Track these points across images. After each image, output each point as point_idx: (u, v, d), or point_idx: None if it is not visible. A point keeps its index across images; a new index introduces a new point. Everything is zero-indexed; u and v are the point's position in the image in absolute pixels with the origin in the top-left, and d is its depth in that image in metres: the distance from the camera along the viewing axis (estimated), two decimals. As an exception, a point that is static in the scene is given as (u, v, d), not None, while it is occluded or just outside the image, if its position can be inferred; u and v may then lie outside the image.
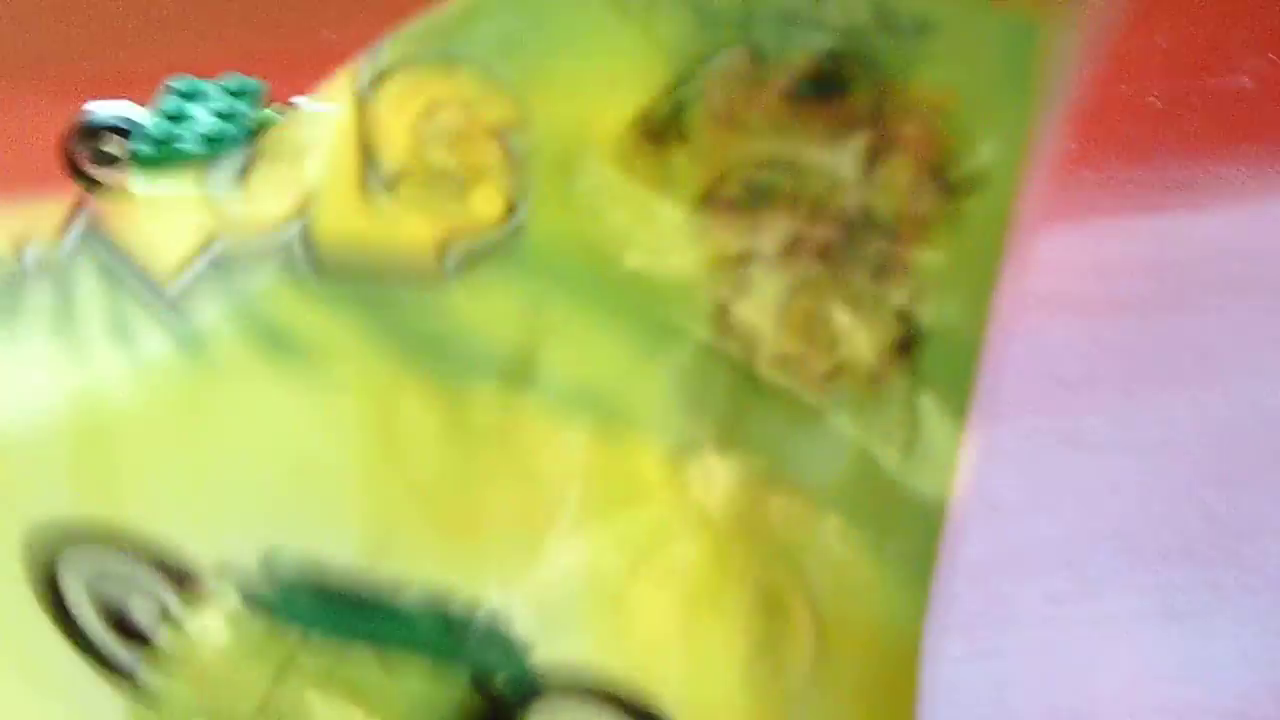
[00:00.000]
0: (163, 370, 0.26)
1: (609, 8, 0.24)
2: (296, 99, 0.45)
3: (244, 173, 0.25)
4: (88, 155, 0.44)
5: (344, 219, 0.25)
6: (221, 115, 0.42)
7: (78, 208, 0.25)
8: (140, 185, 0.41)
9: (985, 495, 0.49)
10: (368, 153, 0.25)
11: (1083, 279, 0.57)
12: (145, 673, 0.27)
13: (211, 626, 0.27)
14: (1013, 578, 0.48)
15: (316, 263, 0.25)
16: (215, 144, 0.41)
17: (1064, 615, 0.47)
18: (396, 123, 0.25)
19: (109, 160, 0.43)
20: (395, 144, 0.25)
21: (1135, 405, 0.52)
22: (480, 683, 0.26)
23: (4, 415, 0.26)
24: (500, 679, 0.27)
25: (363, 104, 0.25)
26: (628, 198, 0.25)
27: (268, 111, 0.44)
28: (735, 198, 0.26)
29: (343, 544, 0.26)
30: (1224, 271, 0.57)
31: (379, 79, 0.25)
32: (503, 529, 0.27)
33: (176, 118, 0.42)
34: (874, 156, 0.25)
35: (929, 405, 0.26)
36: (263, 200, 0.25)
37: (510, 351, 0.26)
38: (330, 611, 0.26)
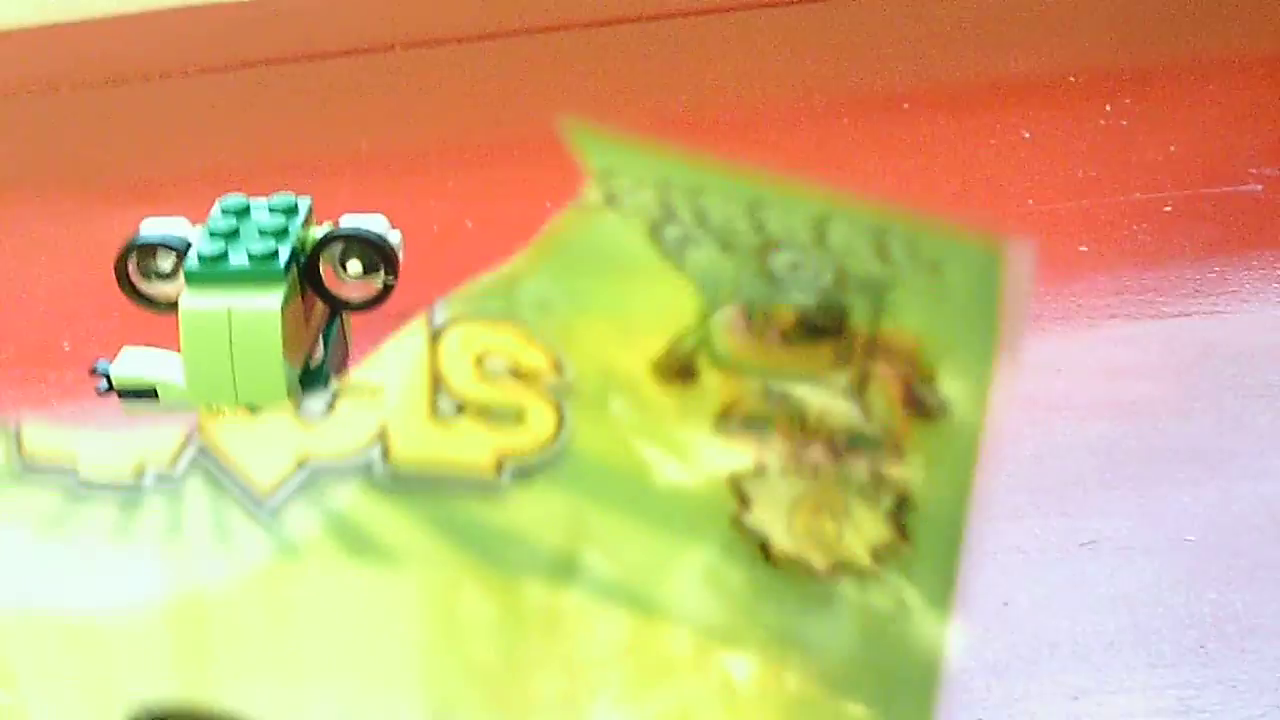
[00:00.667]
0: (258, 570, 0.29)
1: (646, 247, 0.28)
2: (343, 217, 0.47)
3: (330, 405, 0.29)
4: (140, 272, 0.46)
5: (417, 440, 0.29)
6: (269, 233, 0.44)
7: (193, 434, 0.30)
8: (191, 300, 0.43)
9: (1001, 595, 0.51)
10: (437, 386, 0.29)
11: (1095, 382, 0.58)
12: None
13: None
14: (1031, 676, 0.49)
15: (393, 478, 0.29)
16: (264, 262, 0.44)
17: (1083, 713, 0.48)
18: (459, 364, 0.29)
19: (161, 276, 0.46)
20: (459, 380, 0.29)
21: (1147, 505, 0.53)
22: None
23: (116, 611, 0.30)
24: None
25: (433, 346, 0.29)
26: (652, 426, 0.29)
27: (315, 229, 0.46)
28: (742, 425, 0.29)
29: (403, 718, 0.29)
30: (1234, 374, 0.58)
31: (444, 327, 0.29)
32: (550, 709, 0.30)
33: (227, 235, 0.44)
34: (857, 389, 0.29)
35: (916, 597, 0.29)
36: (347, 429, 0.29)
37: (556, 551, 0.29)
38: None
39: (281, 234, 0.45)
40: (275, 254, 0.44)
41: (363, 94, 0.73)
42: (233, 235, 0.45)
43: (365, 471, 0.29)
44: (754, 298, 0.28)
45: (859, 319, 0.28)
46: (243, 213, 0.46)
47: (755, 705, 0.30)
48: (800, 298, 0.28)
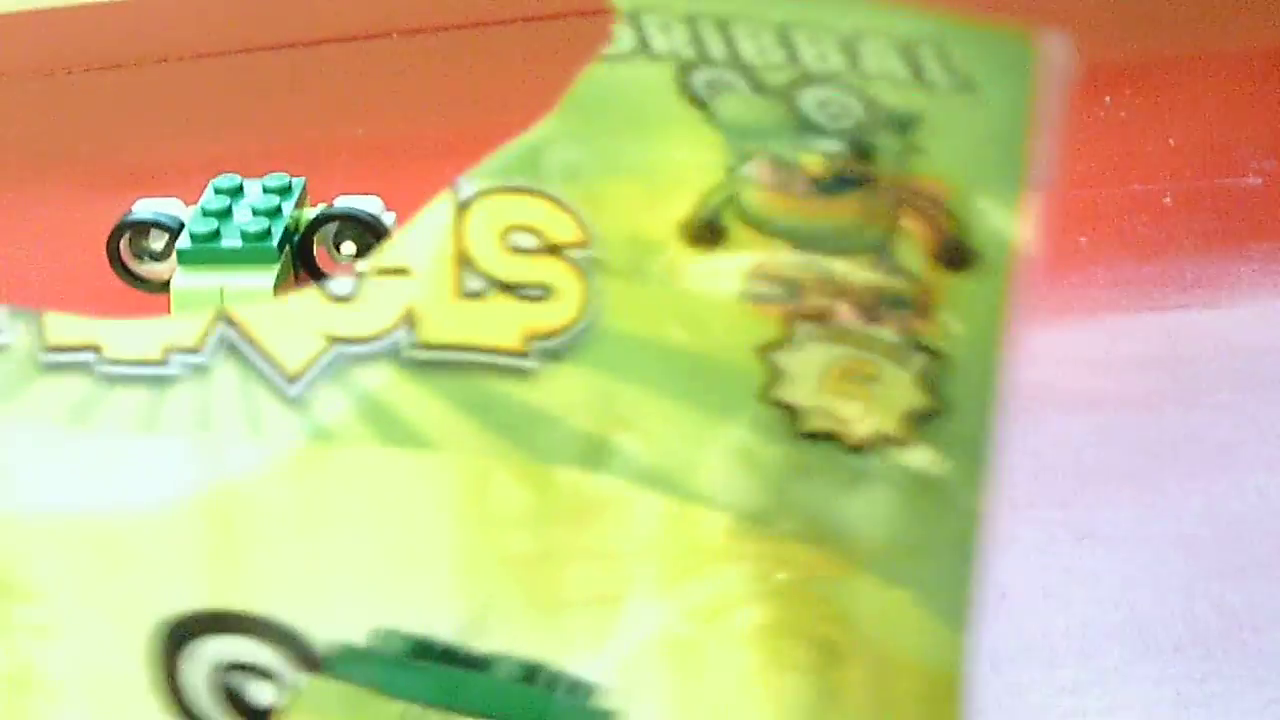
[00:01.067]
0: (290, 457, 0.28)
1: (674, 98, 0.27)
2: (338, 198, 0.47)
3: (357, 285, 0.28)
4: (132, 251, 0.45)
5: (444, 320, 0.28)
6: (263, 213, 0.44)
7: (219, 317, 0.29)
8: (183, 280, 0.43)
9: (999, 585, 0.50)
10: (464, 263, 0.28)
11: (1094, 374, 0.58)
12: None
13: (324, 705, 0.29)
14: (1028, 667, 0.48)
15: (421, 358, 0.28)
16: (257, 241, 0.43)
17: (1080, 706, 0.48)
18: (486, 239, 0.28)
19: (154, 256, 0.45)
20: (485, 258, 0.28)
21: (1146, 498, 0.53)
22: None
23: (146, 509, 0.29)
24: None
25: (459, 222, 0.28)
26: (680, 296, 0.28)
27: (309, 210, 0.46)
28: (771, 289, 0.28)
29: (444, 619, 0.29)
30: (1233, 367, 0.58)
31: (470, 201, 0.28)
32: (584, 602, 0.29)
33: (220, 214, 0.44)
34: (887, 243, 0.27)
35: (951, 466, 0.28)
36: (374, 309, 0.28)
37: (587, 434, 0.28)
38: (433, 685, 0.29)
39: (275, 213, 0.44)
40: (268, 233, 0.44)
41: (360, 80, 0.72)
42: (226, 215, 0.45)
43: (393, 352, 0.28)
44: (782, 147, 0.27)
45: (888, 164, 0.26)
46: (236, 192, 0.46)
47: (793, 590, 0.29)
48: (828, 144, 0.26)
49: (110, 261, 0.45)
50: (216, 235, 0.44)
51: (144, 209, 0.45)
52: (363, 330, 0.28)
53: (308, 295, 0.29)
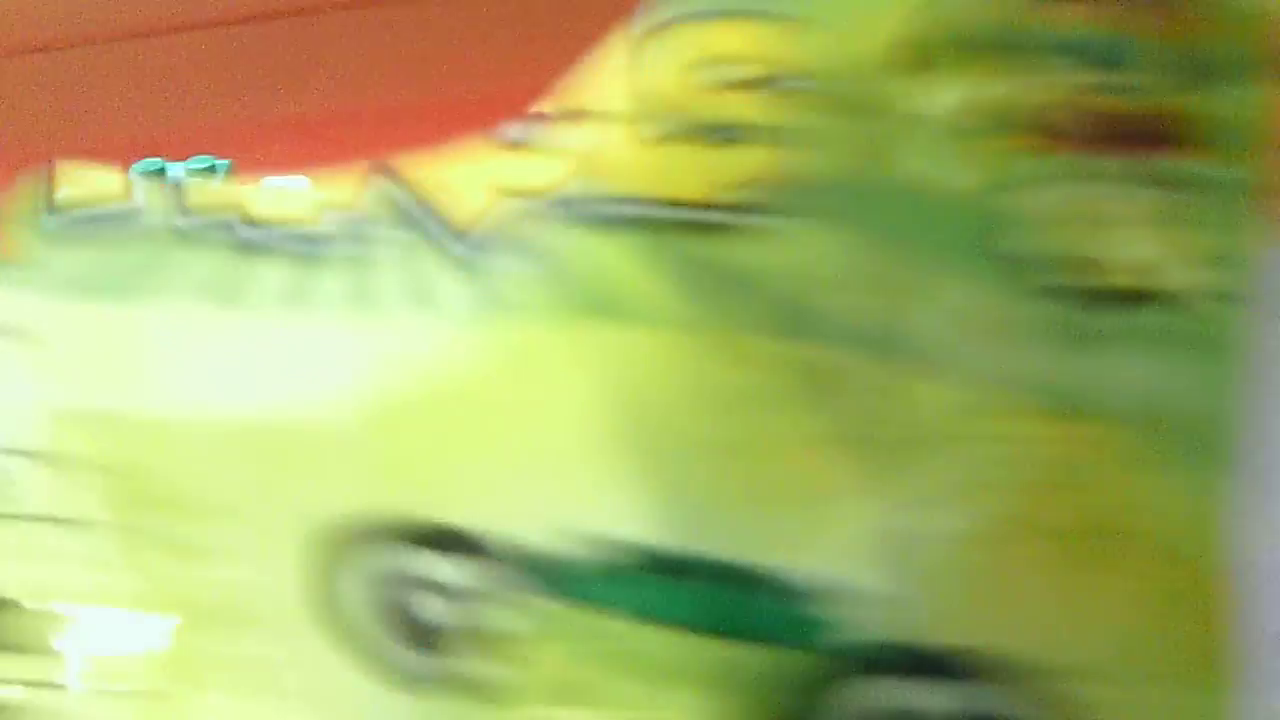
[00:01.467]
0: (463, 346, 0.26)
1: None
2: (264, 180, 0.46)
3: (525, 135, 0.25)
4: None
5: (622, 173, 0.25)
6: (185, 197, 0.43)
7: (378, 170, 0.26)
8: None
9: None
10: (643, 109, 0.25)
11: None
12: (431, 671, 0.27)
13: (502, 613, 0.27)
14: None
15: (599, 216, 0.25)
16: (181, 226, 0.42)
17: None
18: (669, 78, 0.25)
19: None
20: (669, 99, 0.25)
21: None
22: (781, 655, 0.26)
23: (295, 405, 0.27)
24: (801, 651, 0.26)
25: (637, 63, 0.25)
26: (894, 128, 0.25)
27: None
28: (990, 121, 0.24)
29: (637, 515, 0.26)
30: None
31: (649, 38, 0.25)
32: (796, 493, 0.26)
33: (141, 200, 0.43)
34: (1126, 54, 0.24)
35: (1205, 317, 0.24)
36: (548, 160, 0.25)
37: (790, 300, 0.25)
38: (624, 589, 0.26)
39: (200, 197, 0.43)
40: (194, 218, 0.42)
41: (281, 57, 0.71)
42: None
43: (568, 210, 0.25)
44: None
45: None
46: (158, 176, 0.44)
47: (1035, 466, 0.25)
48: None
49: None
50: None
51: (64, 196, 0.44)
52: (539, 183, 0.25)
53: (476, 145, 0.26)
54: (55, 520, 0.28)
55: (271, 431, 0.26)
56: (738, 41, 0.24)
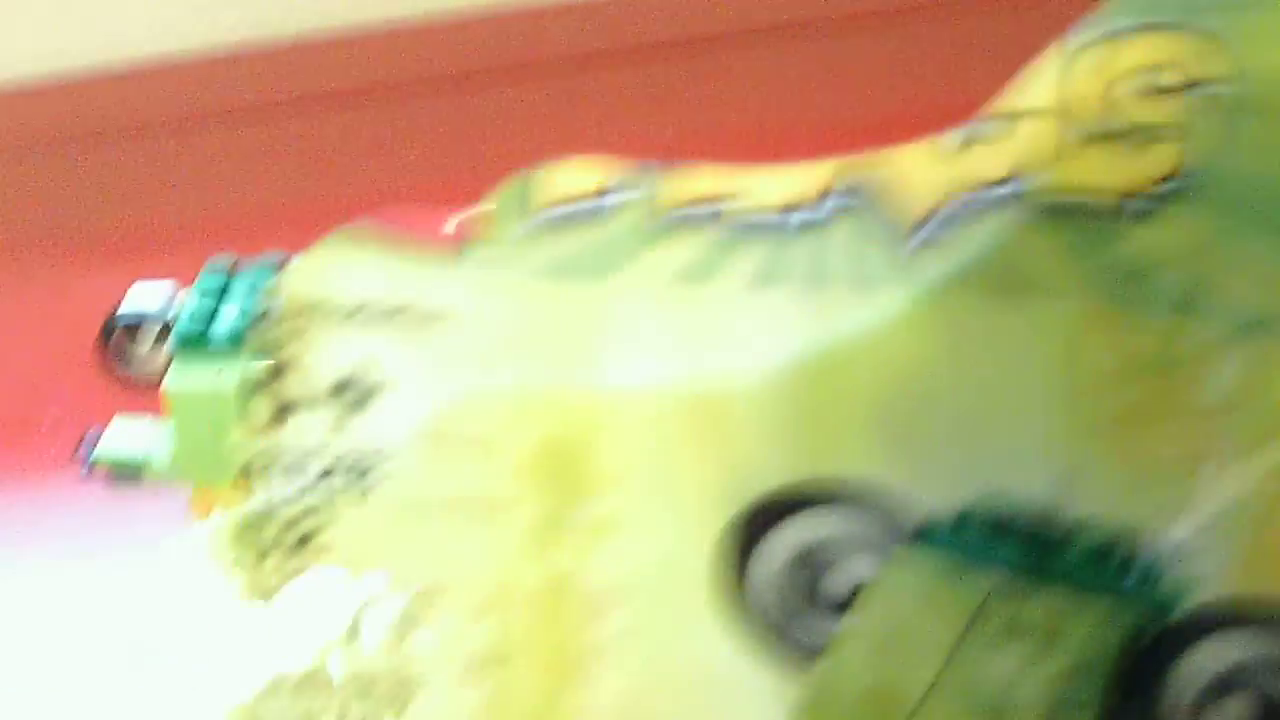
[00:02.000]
0: (896, 320, 0.28)
1: None
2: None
3: (975, 136, 0.28)
4: (116, 355, 0.44)
5: (1058, 168, 0.27)
6: (244, 312, 0.42)
7: (842, 169, 0.29)
8: (175, 380, 0.41)
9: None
10: (1072, 112, 0.27)
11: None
12: (819, 650, 0.29)
13: (905, 584, 0.28)
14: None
15: (1035, 207, 0.27)
16: (238, 340, 0.41)
17: None
18: (1096, 85, 0.27)
19: (143, 355, 0.44)
20: (1095, 103, 0.27)
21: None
22: (1146, 622, 0.28)
23: (743, 379, 0.28)
24: (1164, 617, 0.28)
25: (1066, 72, 0.27)
26: None
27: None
28: None
29: (1035, 485, 0.28)
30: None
31: (1081, 50, 0.27)
32: (1166, 464, 0.28)
33: (210, 308, 0.42)
34: None
35: None
36: (991, 157, 0.28)
37: (1187, 284, 0.27)
38: (1020, 557, 0.28)
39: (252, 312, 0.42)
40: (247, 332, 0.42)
41: (348, 143, 0.71)
42: (218, 306, 0.43)
43: (1008, 201, 0.27)
44: None
45: None
46: (229, 275, 0.44)
47: None
48: None
49: (99, 362, 0.44)
50: (206, 332, 0.42)
51: (132, 305, 0.44)
52: (978, 178, 0.27)
53: (925, 145, 0.28)
54: (468, 502, 0.29)
55: (713, 402, 0.28)
56: (1159, 52, 0.27)
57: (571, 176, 0.29)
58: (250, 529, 0.31)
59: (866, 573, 0.28)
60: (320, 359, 0.30)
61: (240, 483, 0.31)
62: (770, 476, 0.28)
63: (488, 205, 0.30)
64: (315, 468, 0.30)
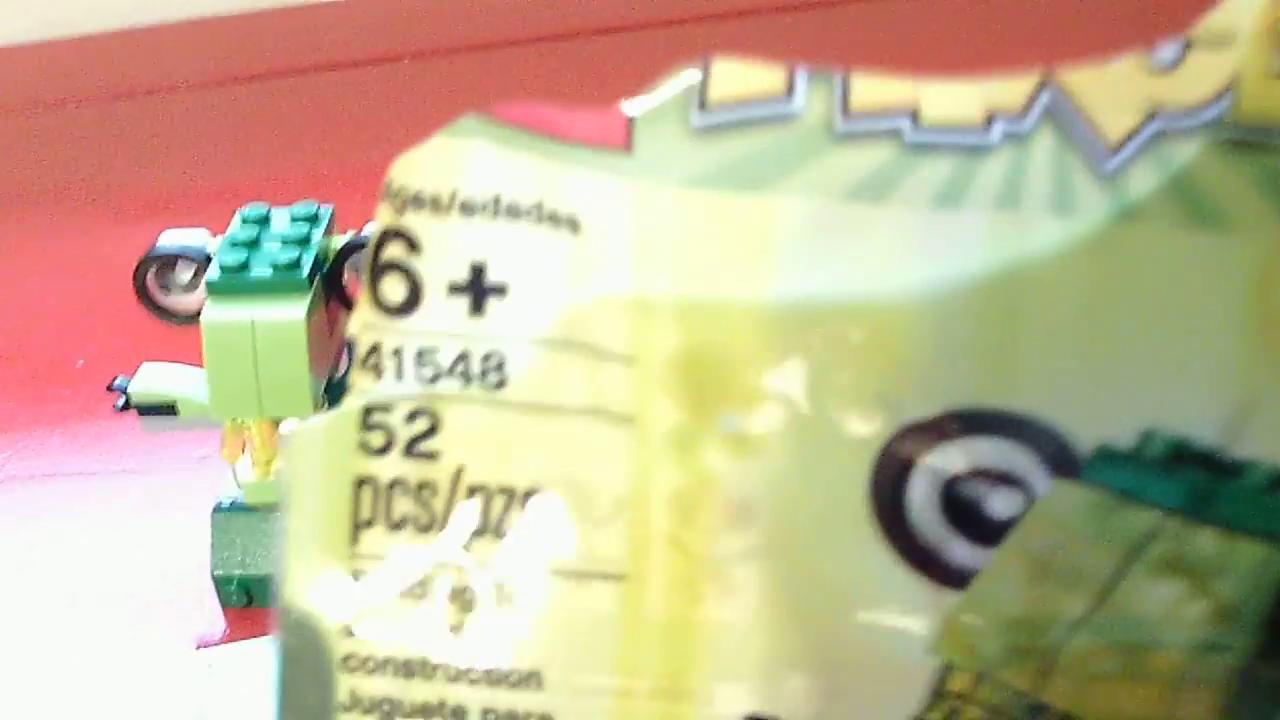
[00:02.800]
0: (1090, 239, 0.27)
1: None
2: (367, 226, 0.46)
3: (1180, 56, 0.27)
4: (159, 284, 0.45)
5: (1263, 96, 0.27)
6: (292, 242, 0.43)
7: (1045, 81, 0.27)
8: (213, 312, 0.42)
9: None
10: (1277, 41, 0.26)
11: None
12: (972, 575, 0.28)
13: (1067, 515, 0.27)
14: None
15: (1236, 136, 0.27)
16: (287, 271, 0.42)
17: None
18: None
19: (182, 289, 0.45)
20: None
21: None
22: None
23: (921, 297, 0.27)
24: None
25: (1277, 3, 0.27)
26: None
27: (337, 238, 0.45)
28: None
29: (1209, 419, 0.27)
30: None
31: None
32: None
33: (248, 245, 0.43)
34: None
35: None
36: (1195, 79, 0.27)
37: None
38: (1185, 494, 0.27)
39: (304, 242, 0.43)
40: (298, 263, 0.43)
41: (383, 103, 0.72)
42: (254, 245, 0.44)
43: (1210, 126, 0.27)
44: None
45: None
46: (263, 222, 0.45)
47: None
48: None
49: (137, 295, 0.45)
50: (246, 266, 0.43)
51: (170, 241, 0.45)
52: (1184, 100, 0.27)
53: (1129, 63, 0.27)
54: (601, 409, 0.28)
55: (887, 319, 0.27)
56: None
57: (750, 74, 0.27)
58: (363, 422, 0.29)
59: (1026, 501, 0.27)
60: (445, 251, 0.28)
61: (358, 372, 0.29)
62: (936, 399, 0.27)
63: (648, 100, 0.28)
64: (439, 361, 0.28)
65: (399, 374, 0.28)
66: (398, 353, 0.28)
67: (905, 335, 0.27)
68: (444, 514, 0.29)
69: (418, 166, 0.28)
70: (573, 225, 0.28)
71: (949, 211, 0.27)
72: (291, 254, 0.42)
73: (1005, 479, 0.27)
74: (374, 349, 0.29)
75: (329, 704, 0.29)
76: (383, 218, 0.29)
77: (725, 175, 0.27)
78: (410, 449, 0.28)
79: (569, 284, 0.28)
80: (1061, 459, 0.27)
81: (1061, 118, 0.27)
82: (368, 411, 0.29)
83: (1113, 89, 0.27)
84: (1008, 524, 0.27)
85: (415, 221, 0.28)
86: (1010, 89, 0.27)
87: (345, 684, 0.29)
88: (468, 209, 0.28)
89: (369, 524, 0.29)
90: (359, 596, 0.29)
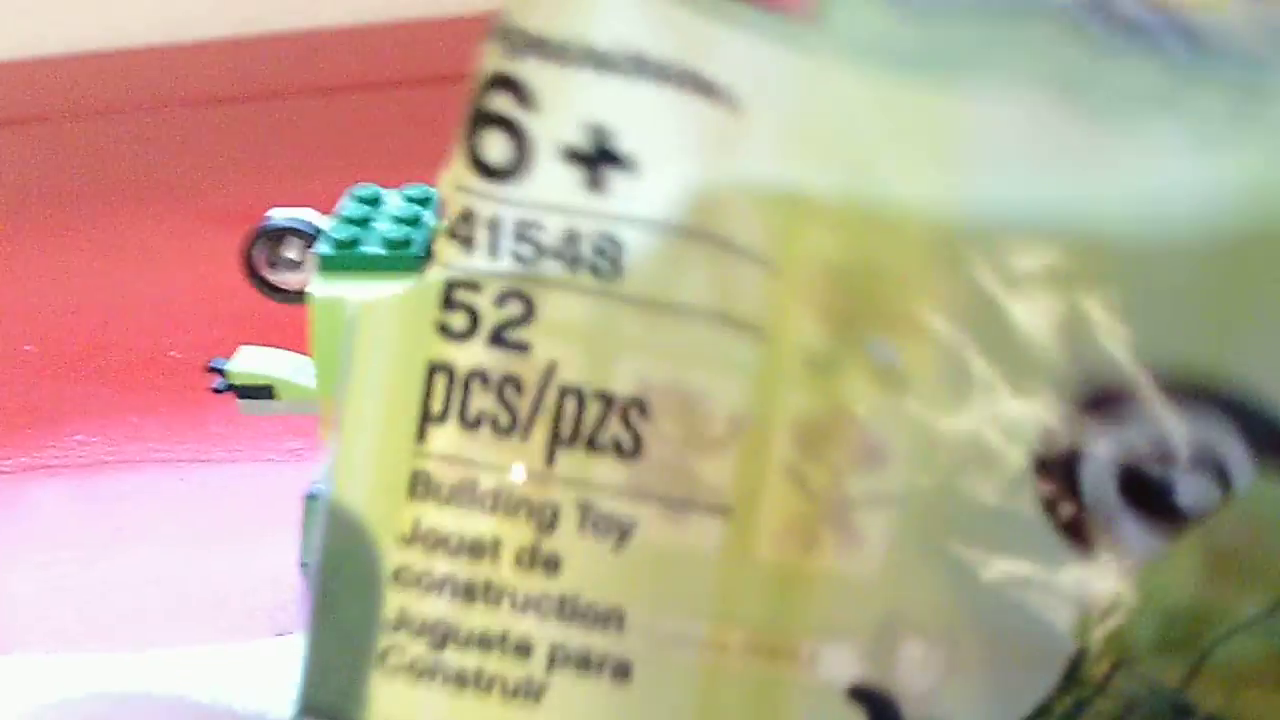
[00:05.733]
0: None
1: None
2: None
3: None
4: (267, 259, 0.44)
5: None
6: (403, 221, 0.42)
7: None
8: (321, 289, 0.41)
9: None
10: None
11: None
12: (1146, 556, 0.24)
13: (1268, 504, 0.24)
14: None
15: None
16: (398, 248, 0.42)
17: None
18: None
19: (290, 265, 0.44)
20: None
21: None
22: None
23: (1128, 230, 0.23)
24: None
25: None
26: None
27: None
28: None
29: None
30: None
31: None
32: None
33: (359, 222, 0.42)
34: None
35: None
36: None
37: None
38: None
39: (415, 222, 0.43)
40: (409, 241, 0.42)
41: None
42: (365, 223, 0.43)
43: None
44: None
45: None
46: (375, 201, 0.44)
47: None
48: None
49: (244, 270, 0.44)
50: (356, 243, 0.42)
51: (279, 216, 0.44)
52: None
53: None
54: (723, 318, 0.24)
55: (1084, 255, 0.23)
56: None
57: None
58: (445, 300, 0.25)
59: (1222, 488, 0.24)
60: (565, 109, 0.24)
61: (444, 241, 0.25)
62: (1141, 361, 0.23)
63: None
64: (543, 239, 0.24)
65: (493, 249, 0.24)
66: (494, 223, 0.24)
67: (1119, 282, 0.23)
68: (529, 415, 0.25)
69: (544, 3, 0.24)
70: (725, 98, 0.24)
71: (1216, 154, 0.22)
72: (403, 232, 0.41)
73: (1201, 460, 0.24)
74: (466, 216, 0.24)
75: (373, 621, 0.25)
76: (491, 59, 0.24)
77: (930, 63, 0.23)
78: (497, 336, 0.24)
79: (709, 164, 0.24)
80: (1275, 446, 0.24)
81: None
82: (451, 287, 0.24)
83: None
84: (1194, 510, 0.24)
85: (531, 69, 0.24)
86: None
87: (395, 600, 0.25)
88: (599, 62, 0.24)
89: (441, 418, 0.25)
90: (421, 501, 0.25)
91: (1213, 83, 0.23)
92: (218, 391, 0.45)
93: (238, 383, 0.44)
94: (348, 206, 0.43)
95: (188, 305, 0.60)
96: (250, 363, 0.44)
